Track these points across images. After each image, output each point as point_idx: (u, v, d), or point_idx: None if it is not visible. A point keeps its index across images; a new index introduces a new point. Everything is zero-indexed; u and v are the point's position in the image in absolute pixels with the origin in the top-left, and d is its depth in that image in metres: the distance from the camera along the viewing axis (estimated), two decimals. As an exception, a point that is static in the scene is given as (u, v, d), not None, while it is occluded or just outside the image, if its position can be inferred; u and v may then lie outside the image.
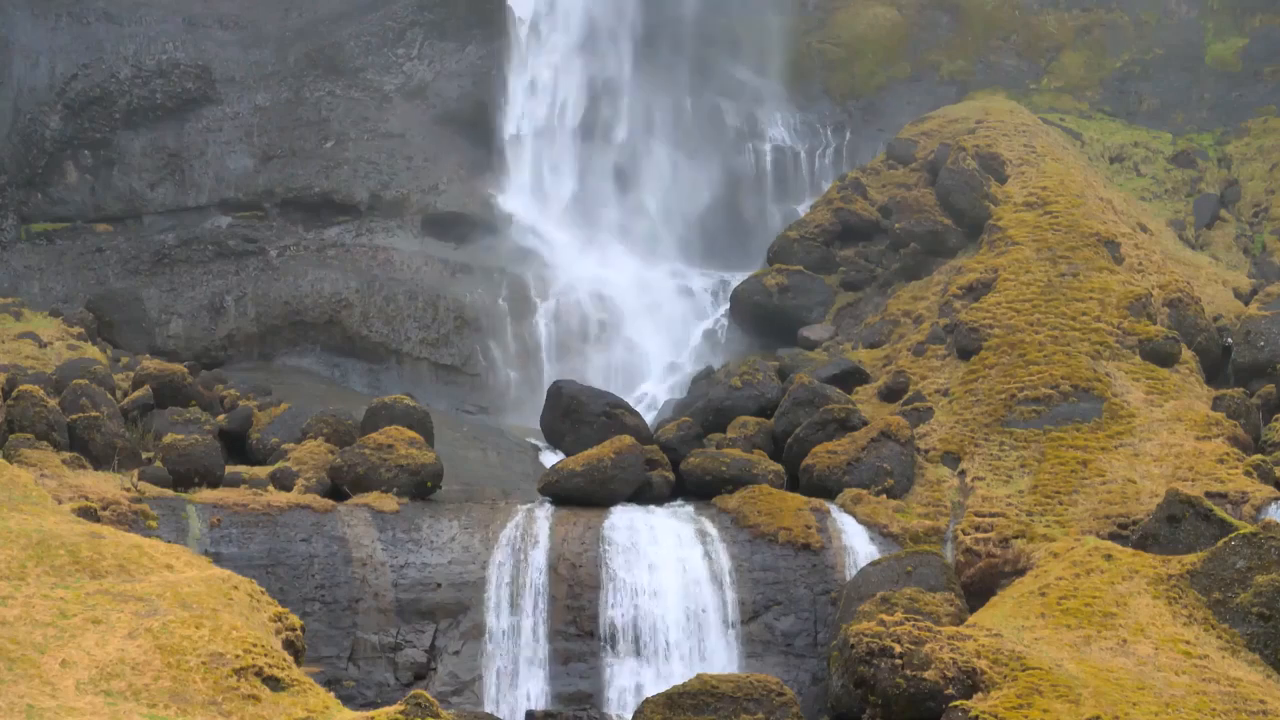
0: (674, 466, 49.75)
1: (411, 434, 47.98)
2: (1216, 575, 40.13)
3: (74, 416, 46.60)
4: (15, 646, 30.90)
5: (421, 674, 43.66)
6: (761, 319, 62.48)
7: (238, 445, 50.48)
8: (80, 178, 67.00)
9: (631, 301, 67.86)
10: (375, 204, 68.07)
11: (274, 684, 31.60)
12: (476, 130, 70.35)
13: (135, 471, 45.54)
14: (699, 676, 38.36)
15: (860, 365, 55.78)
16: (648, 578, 44.77)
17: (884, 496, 48.04)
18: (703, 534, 46.13)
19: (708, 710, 37.34)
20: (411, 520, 45.63)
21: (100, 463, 45.95)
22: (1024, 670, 36.70)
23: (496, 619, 44.38)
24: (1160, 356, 53.03)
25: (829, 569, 45.52)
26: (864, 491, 47.96)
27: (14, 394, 46.25)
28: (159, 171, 67.50)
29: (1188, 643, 38.70)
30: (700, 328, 66.71)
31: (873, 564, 44.60)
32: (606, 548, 45.18)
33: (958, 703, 35.94)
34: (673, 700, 37.69)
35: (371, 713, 31.74)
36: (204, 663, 31.33)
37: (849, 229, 64.26)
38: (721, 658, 44.15)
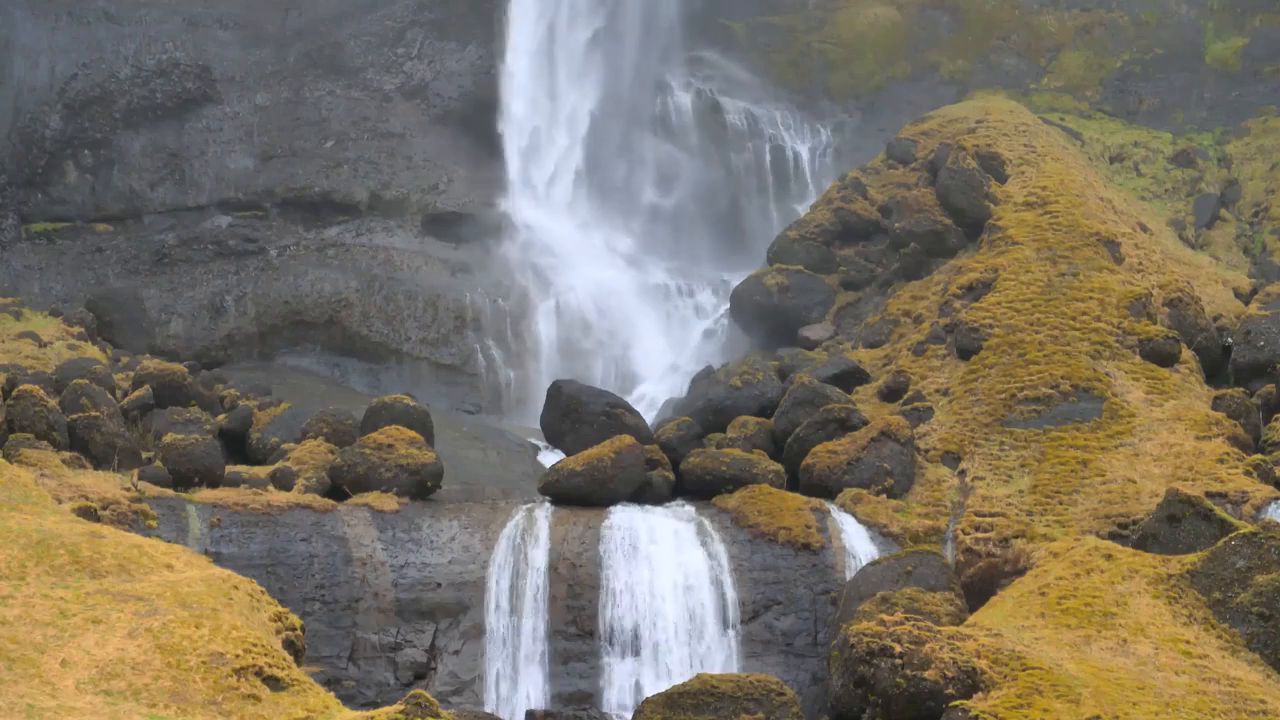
0: (674, 466, 49.70)
1: (411, 434, 47.94)
2: (1216, 575, 40.09)
3: (74, 416, 46.56)
4: (15, 646, 30.88)
5: (421, 674, 43.65)
6: (761, 319, 62.41)
7: (238, 445, 50.47)
8: (80, 178, 67.01)
9: (631, 301, 67.89)
10: (375, 204, 68.09)
11: (274, 684, 31.58)
12: (476, 130, 70.36)
13: (135, 471, 45.50)
14: (699, 676, 38.30)
15: (860, 365, 55.74)
16: (648, 577, 44.73)
17: (884, 496, 48.01)
18: (703, 534, 46.10)
19: (708, 710, 37.30)
20: (411, 520, 45.60)
21: (100, 463, 45.92)
22: (1024, 670, 36.66)
23: (496, 619, 44.36)
24: (1160, 356, 53.00)
25: (829, 569, 45.50)
26: (864, 491, 47.93)
27: (14, 394, 46.21)
28: (159, 171, 67.53)
29: (1188, 642, 38.68)
30: (700, 328, 66.69)
31: (873, 564, 44.57)
32: (606, 547, 45.14)
33: (958, 702, 35.91)
34: (673, 700, 37.65)
35: (371, 712, 31.70)
36: (204, 662, 31.31)
37: (849, 229, 64.19)
38: (721, 658, 44.11)
